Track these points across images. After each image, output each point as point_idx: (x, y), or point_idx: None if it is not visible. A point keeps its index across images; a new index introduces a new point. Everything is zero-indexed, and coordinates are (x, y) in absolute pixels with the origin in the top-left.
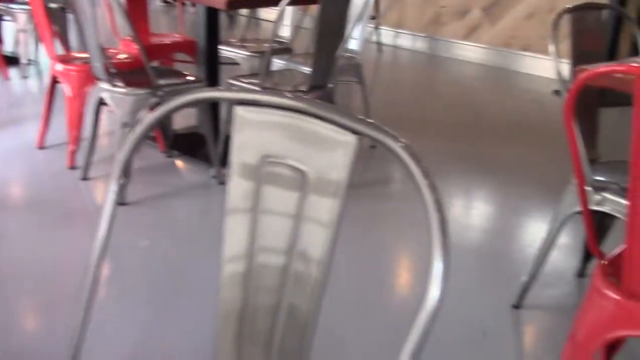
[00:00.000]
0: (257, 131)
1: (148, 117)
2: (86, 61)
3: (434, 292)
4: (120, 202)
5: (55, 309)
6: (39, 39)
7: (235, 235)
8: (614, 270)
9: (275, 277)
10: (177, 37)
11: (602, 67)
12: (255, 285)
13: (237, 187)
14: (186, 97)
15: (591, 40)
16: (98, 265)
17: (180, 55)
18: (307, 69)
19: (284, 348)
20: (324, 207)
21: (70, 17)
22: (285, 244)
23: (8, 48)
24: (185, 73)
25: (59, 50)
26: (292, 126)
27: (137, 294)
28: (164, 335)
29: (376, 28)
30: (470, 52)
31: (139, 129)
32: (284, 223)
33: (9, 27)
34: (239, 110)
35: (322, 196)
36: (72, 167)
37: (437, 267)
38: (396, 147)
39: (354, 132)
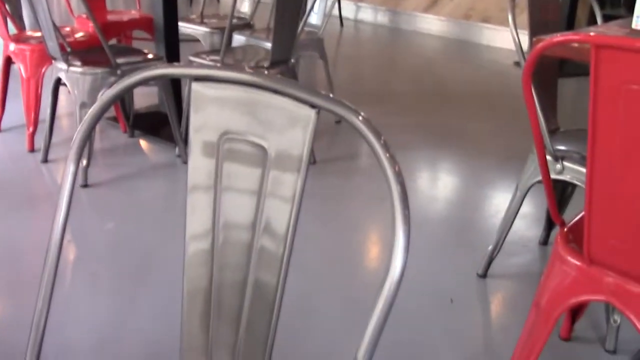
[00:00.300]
0: (216, 108)
1: (104, 96)
2: (41, 40)
3: (397, 262)
4: (83, 184)
5: (19, 292)
6: None
7: (198, 213)
8: (575, 237)
9: (240, 254)
10: (134, 14)
11: (559, 37)
12: (220, 262)
13: (198, 165)
14: (143, 73)
15: (549, 11)
16: (59, 247)
17: (138, 33)
18: (268, 45)
19: (252, 323)
20: (286, 183)
21: None
22: (249, 220)
23: None
24: (145, 51)
25: (12, 29)
26: (251, 102)
27: (104, 275)
28: (132, 316)
29: (337, 2)
30: (432, 24)
31: (96, 108)
32: (247, 199)
33: None
34: (197, 87)
35: (283, 171)
36: (32, 150)
37: (399, 238)
38: (356, 120)
39: (312, 106)
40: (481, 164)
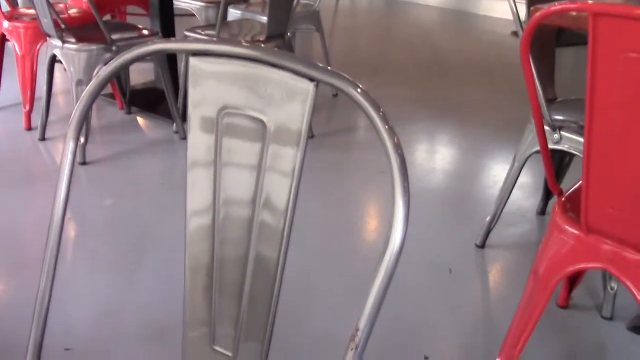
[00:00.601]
0: (214, 83)
1: (101, 73)
2: (35, 18)
3: (397, 233)
4: (82, 161)
5: (21, 271)
6: None
7: (198, 189)
8: (573, 206)
9: (241, 229)
10: None
11: (556, 6)
12: (221, 237)
13: (197, 140)
14: (140, 49)
15: None
16: (61, 225)
17: (133, 9)
18: (264, 19)
19: (254, 297)
20: (285, 157)
21: None
22: (249, 196)
23: None
24: (140, 27)
25: (5, 7)
26: (249, 76)
27: (104, 252)
28: (133, 292)
29: None
30: None
31: (93, 86)
32: (247, 175)
33: None
34: (195, 62)
35: (283, 146)
36: (29, 129)
37: (399, 209)
38: (354, 92)
39: (311, 79)
40: (479, 135)
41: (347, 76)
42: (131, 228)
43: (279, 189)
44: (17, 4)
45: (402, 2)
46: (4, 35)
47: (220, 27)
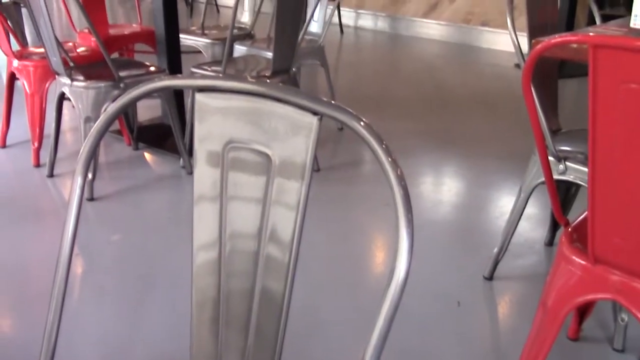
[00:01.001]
0: (220, 117)
1: (109, 109)
2: (43, 56)
3: (402, 264)
4: (89, 197)
5: (29, 307)
6: None
7: (205, 223)
8: (580, 237)
9: (247, 262)
10: (135, 28)
11: (557, 38)
12: (228, 271)
13: (203, 174)
14: (147, 86)
15: (547, 13)
16: (68, 260)
17: (140, 46)
18: (269, 54)
19: (261, 330)
20: (290, 190)
21: (24, 11)
22: (255, 229)
23: None
24: (147, 63)
25: (15, 46)
26: (254, 111)
27: (111, 287)
28: (140, 327)
29: (337, 10)
30: (431, 29)
31: (101, 122)
32: (252, 208)
33: None
34: (200, 97)
35: (287, 179)
36: (38, 165)
37: (403, 240)
38: (357, 126)
39: (314, 113)
40: (484, 166)
41: (349, 109)
42: (138, 263)
43: (284, 222)
44: (27, 43)
45: (405, 35)
46: (13, 74)
47: (226, 63)
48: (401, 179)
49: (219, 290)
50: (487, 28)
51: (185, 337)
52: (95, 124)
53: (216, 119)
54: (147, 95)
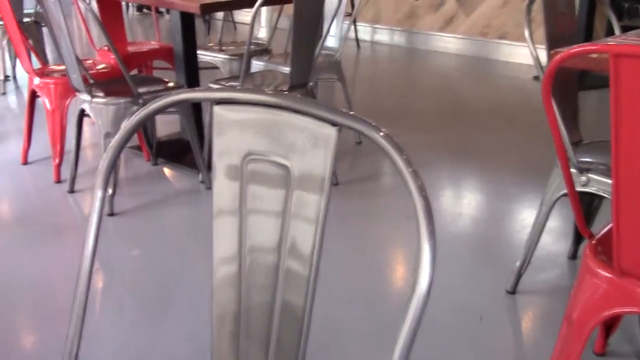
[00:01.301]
0: (238, 131)
1: (129, 122)
2: (64, 73)
3: (424, 276)
4: (109, 212)
5: (50, 322)
6: (15, 55)
7: (224, 237)
8: (604, 249)
9: (267, 276)
10: (154, 45)
11: (576, 48)
12: (248, 284)
13: (222, 188)
14: (166, 99)
15: (565, 24)
16: (89, 275)
17: (158, 63)
18: (286, 69)
19: (282, 344)
20: (310, 203)
21: (45, 30)
22: (275, 242)
23: None
24: (165, 80)
25: (36, 64)
26: (273, 123)
27: (132, 302)
28: (161, 341)
29: (353, 24)
30: (448, 43)
31: (120, 135)
32: (272, 221)
33: None
34: (219, 110)
35: (307, 192)
36: (59, 181)
37: (425, 252)
38: (377, 136)
39: (333, 124)
40: (505, 179)
41: (369, 120)
42: (157, 277)
43: (304, 235)
44: (48, 61)
45: (421, 50)
46: (34, 91)
47: (243, 78)
48: (422, 190)
49: (240, 304)
50: (504, 41)
51: (204, 351)
52: (115, 137)
53: (234, 132)
54: (166, 108)
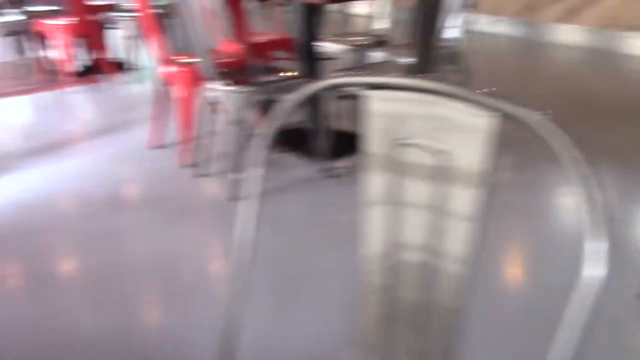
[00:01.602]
0: (388, 118)
1: (288, 99)
2: (192, 63)
3: (594, 271)
4: (236, 196)
5: (180, 300)
6: (144, 45)
7: (372, 229)
8: None
9: (415, 274)
10: (274, 35)
11: None
12: (395, 280)
13: (371, 179)
14: (324, 81)
15: None
16: (243, 257)
17: (276, 53)
18: (405, 60)
19: (431, 346)
20: (464, 198)
21: (171, 22)
22: (425, 237)
23: (115, 55)
24: (287, 69)
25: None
26: (426, 110)
27: (259, 285)
28: (291, 324)
29: (473, 16)
30: (570, 35)
31: (283, 108)
32: (422, 215)
33: (113, 34)
34: (369, 98)
35: (461, 185)
36: (185, 166)
37: (590, 243)
38: (539, 119)
39: (491, 110)
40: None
41: (530, 105)
42: (284, 263)
43: (456, 232)
44: (178, 51)
45: (542, 42)
46: (164, 80)
47: (365, 68)
48: (587, 178)
49: (385, 295)
50: (632, 33)
51: (338, 337)
52: (276, 112)
53: (385, 119)
54: (325, 90)
